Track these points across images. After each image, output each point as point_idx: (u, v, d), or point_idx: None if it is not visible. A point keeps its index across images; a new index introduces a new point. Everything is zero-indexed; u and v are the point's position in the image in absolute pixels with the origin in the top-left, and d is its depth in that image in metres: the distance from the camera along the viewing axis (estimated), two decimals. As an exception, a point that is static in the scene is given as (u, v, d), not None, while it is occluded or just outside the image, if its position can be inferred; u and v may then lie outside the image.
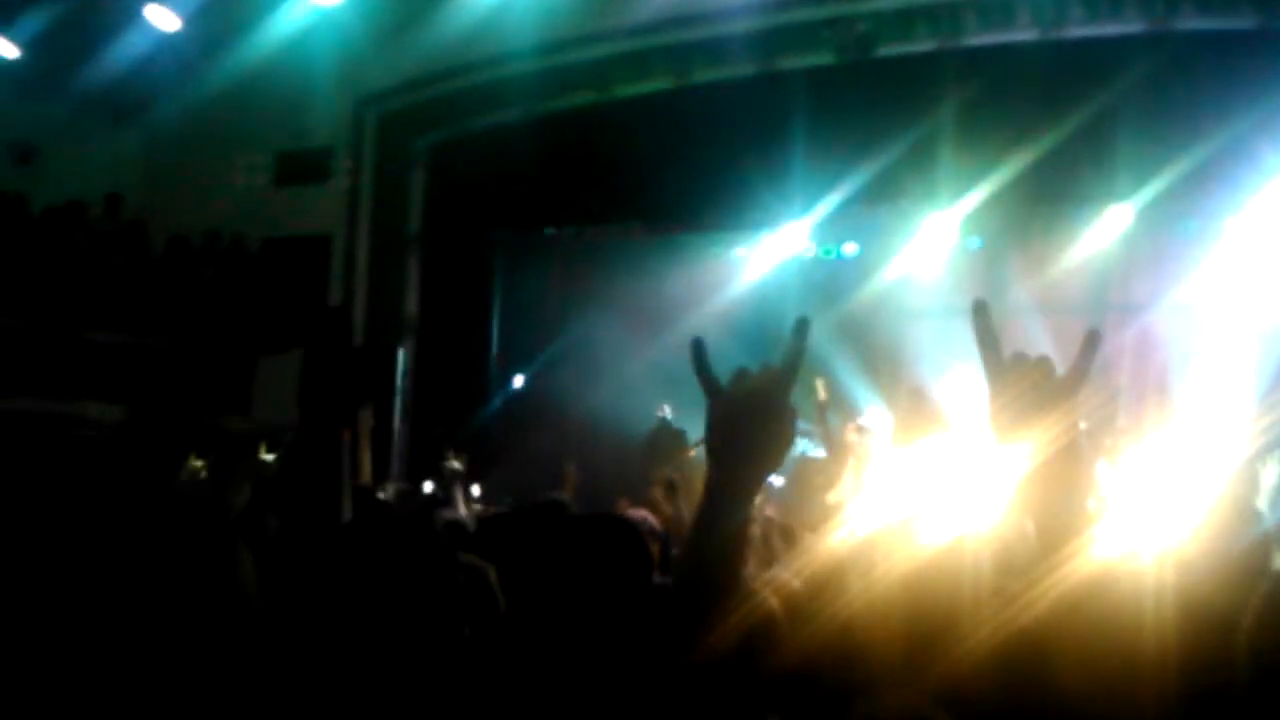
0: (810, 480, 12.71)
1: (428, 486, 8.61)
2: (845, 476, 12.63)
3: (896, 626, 2.40)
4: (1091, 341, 1.74)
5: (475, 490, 10.14)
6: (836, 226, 12.82)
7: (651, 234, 13.02)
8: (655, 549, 4.48)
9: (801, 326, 1.81)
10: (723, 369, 1.83)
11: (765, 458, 1.81)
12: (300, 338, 11.50)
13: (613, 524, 2.62)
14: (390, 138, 12.20)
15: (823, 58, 10.41)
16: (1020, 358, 1.75)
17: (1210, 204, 10.68)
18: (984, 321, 1.73)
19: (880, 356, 13.94)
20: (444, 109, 11.97)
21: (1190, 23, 9.13)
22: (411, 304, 12.32)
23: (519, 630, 2.48)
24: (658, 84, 11.05)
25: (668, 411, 12.61)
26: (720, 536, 1.79)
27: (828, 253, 13.95)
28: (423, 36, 10.97)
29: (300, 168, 12.24)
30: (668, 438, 12.77)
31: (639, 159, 11.27)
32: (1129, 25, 9.33)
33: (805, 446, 13.21)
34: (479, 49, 11.04)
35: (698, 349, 1.80)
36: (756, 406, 1.80)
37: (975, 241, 13.04)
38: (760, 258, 13.95)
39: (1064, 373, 1.73)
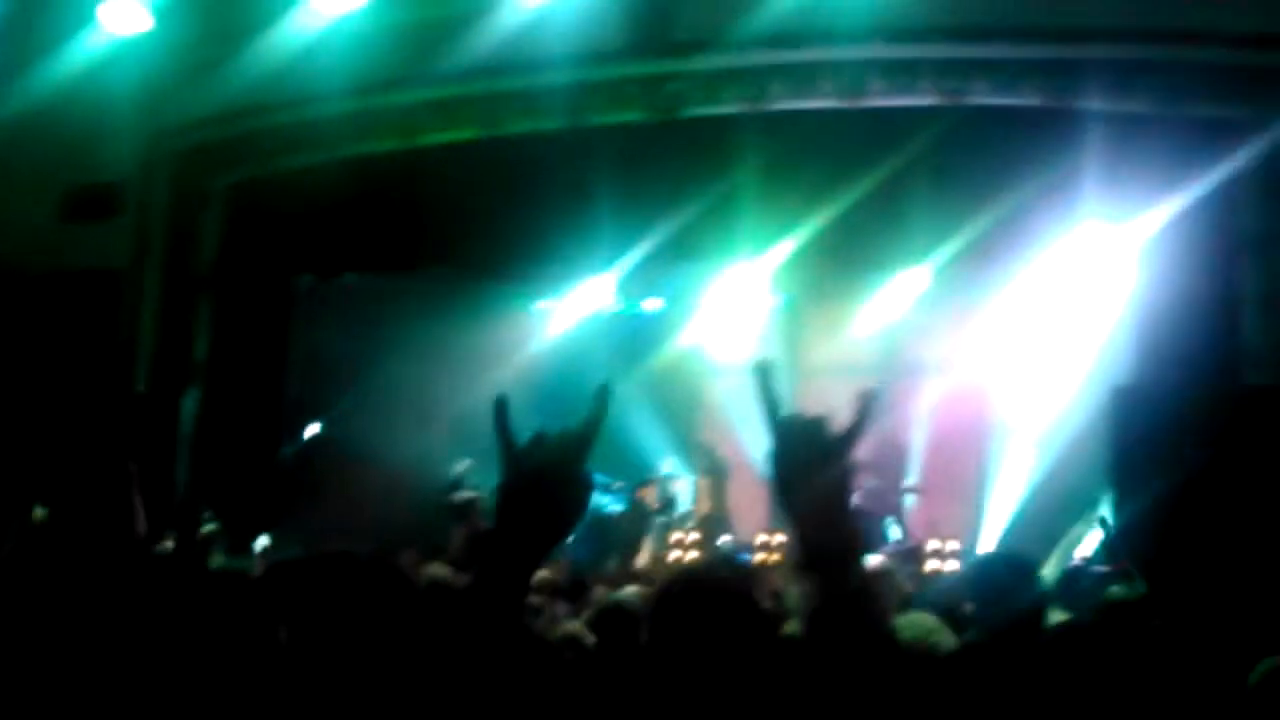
0: (606, 537, 12.74)
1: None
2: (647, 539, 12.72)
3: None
4: (865, 400, 1.78)
5: (264, 540, 9.84)
6: (640, 282, 12.94)
7: (455, 284, 12.91)
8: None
9: (603, 393, 1.80)
10: (522, 421, 1.79)
11: (554, 526, 1.79)
12: (84, 379, 11.03)
13: (386, 572, 2.61)
14: (186, 175, 11.80)
15: (632, 115, 10.51)
16: (797, 416, 1.78)
17: (998, 269, 11.11)
18: (764, 381, 1.76)
19: (682, 412, 14.10)
20: (245, 148, 11.64)
21: (982, 98, 9.52)
22: (202, 347, 11.90)
23: (295, 677, 2.45)
24: (466, 133, 10.97)
25: (465, 467, 12.47)
26: (498, 600, 1.75)
27: (631, 308, 14.08)
28: (226, 73, 10.67)
29: (89, 203, 11.72)
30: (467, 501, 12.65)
31: (445, 207, 11.17)
32: (924, 97, 9.67)
33: (605, 502, 13.26)
34: (284, 88, 10.78)
35: (499, 407, 1.76)
36: (550, 474, 1.78)
37: (777, 300, 13.31)
38: (565, 311, 13.99)
39: (838, 431, 1.77)
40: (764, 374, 1.75)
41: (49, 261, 11.45)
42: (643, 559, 12.40)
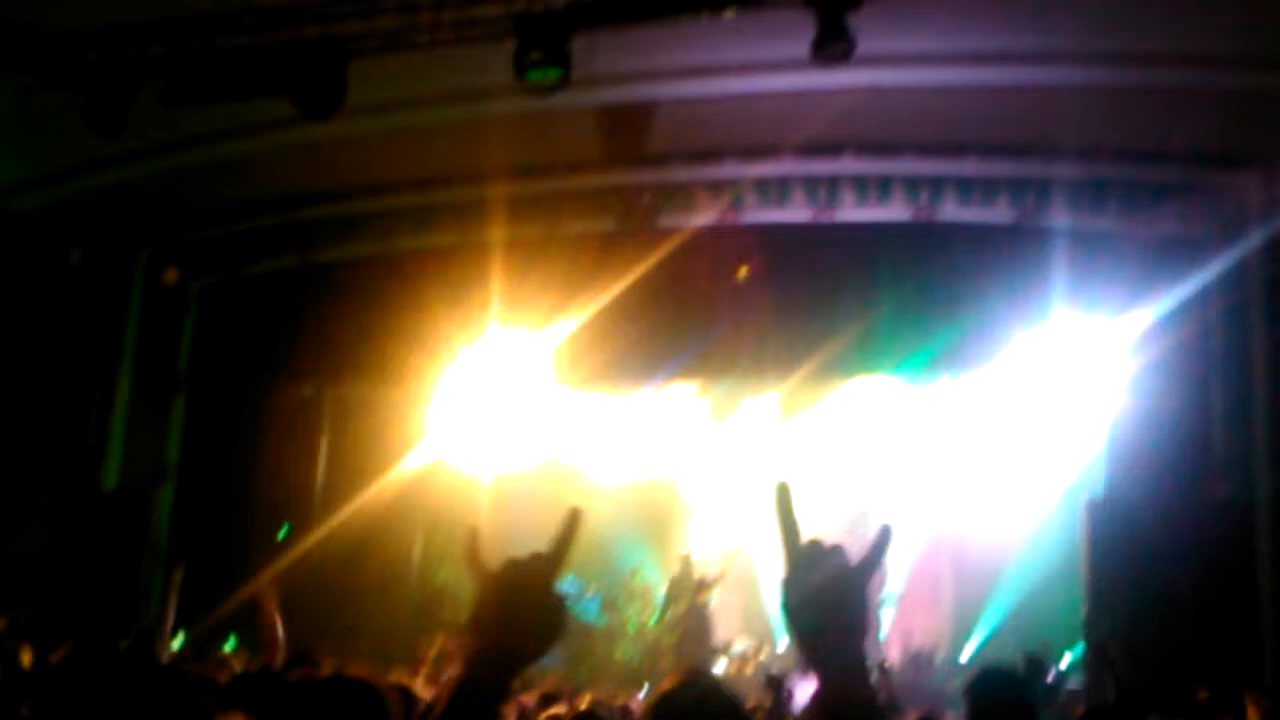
0: (578, 643, 12.66)
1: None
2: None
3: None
4: (884, 535, 1.77)
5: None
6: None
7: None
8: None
9: (573, 516, 1.82)
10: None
11: (529, 643, 1.80)
12: (50, 479, 10.89)
13: (356, 688, 2.62)
14: (160, 277, 11.80)
15: (606, 223, 10.61)
16: (814, 544, 1.77)
17: (971, 380, 11.21)
18: (785, 503, 1.74)
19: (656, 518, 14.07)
20: (215, 251, 11.69)
21: (952, 213, 9.69)
22: (174, 448, 11.82)
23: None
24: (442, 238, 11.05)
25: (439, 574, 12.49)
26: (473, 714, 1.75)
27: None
28: (203, 173, 10.72)
29: (64, 301, 11.66)
30: (437, 605, 12.61)
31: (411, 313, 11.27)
32: (895, 211, 9.83)
33: (586, 610, 13.21)
34: (259, 192, 10.84)
35: (783, 494, 1.75)
36: (524, 593, 1.79)
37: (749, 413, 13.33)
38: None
39: (857, 561, 1.76)
40: (784, 497, 1.74)
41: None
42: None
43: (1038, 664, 7.18)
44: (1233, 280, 8.66)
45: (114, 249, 11.48)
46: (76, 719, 2.15)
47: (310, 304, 11.60)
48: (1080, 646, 9.80)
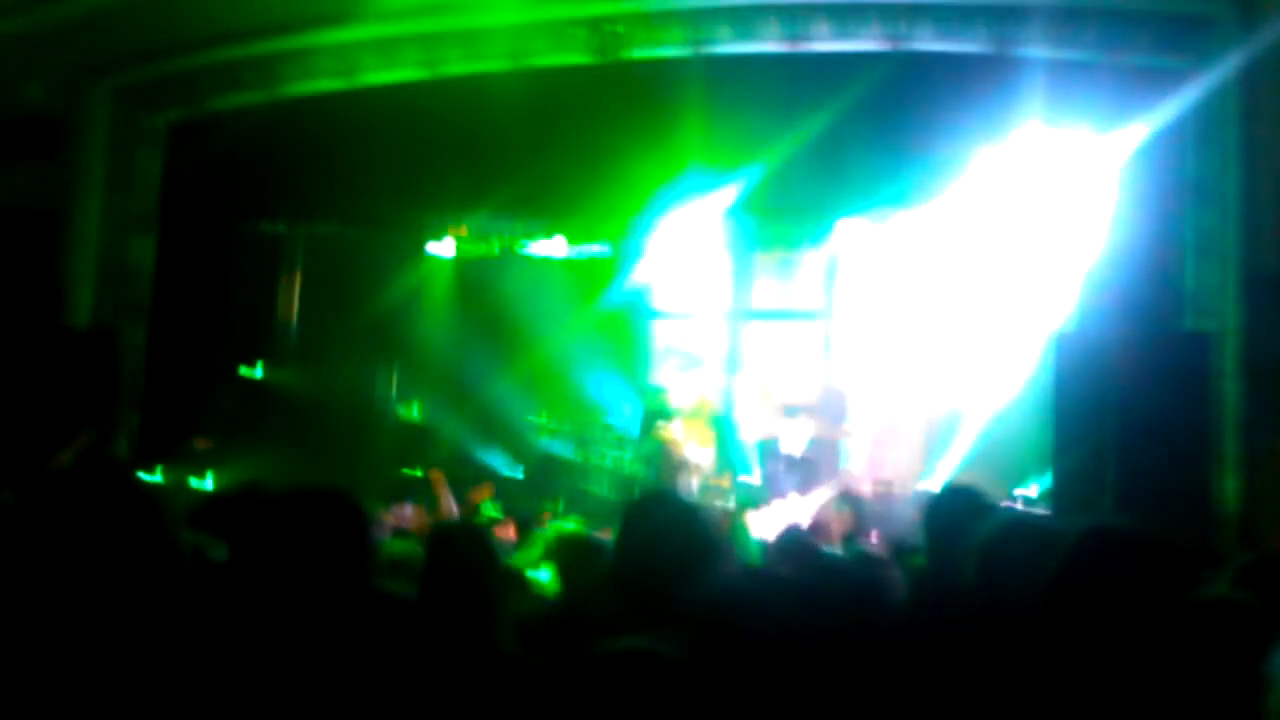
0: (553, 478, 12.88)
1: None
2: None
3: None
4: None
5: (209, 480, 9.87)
6: (583, 227, 12.97)
7: (393, 229, 13.00)
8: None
9: None
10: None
11: None
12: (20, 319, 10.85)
13: (329, 499, 2.62)
14: (123, 111, 11.59)
15: (575, 58, 10.43)
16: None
17: (941, 213, 11.18)
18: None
19: (627, 354, 14.14)
20: (182, 86, 11.47)
21: (926, 43, 9.53)
22: (144, 287, 11.75)
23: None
24: (407, 74, 10.86)
25: (414, 410, 12.60)
26: None
27: (578, 252, 14.05)
28: (162, 6, 10.48)
29: (24, 140, 11.48)
30: (416, 435, 12.75)
31: (381, 151, 11.14)
32: (868, 42, 9.66)
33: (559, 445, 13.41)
34: (221, 23, 10.61)
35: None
36: None
37: (723, 245, 13.30)
38: (512, 256, 13.97)
39: None
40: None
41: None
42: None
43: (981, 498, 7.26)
44: (1207, 111, 8.57)
45: (74, 83, 11.26)
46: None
47: (278, 141, 11.46)
48: (1047, 478, 9.93)
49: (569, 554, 5.32)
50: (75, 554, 2.31)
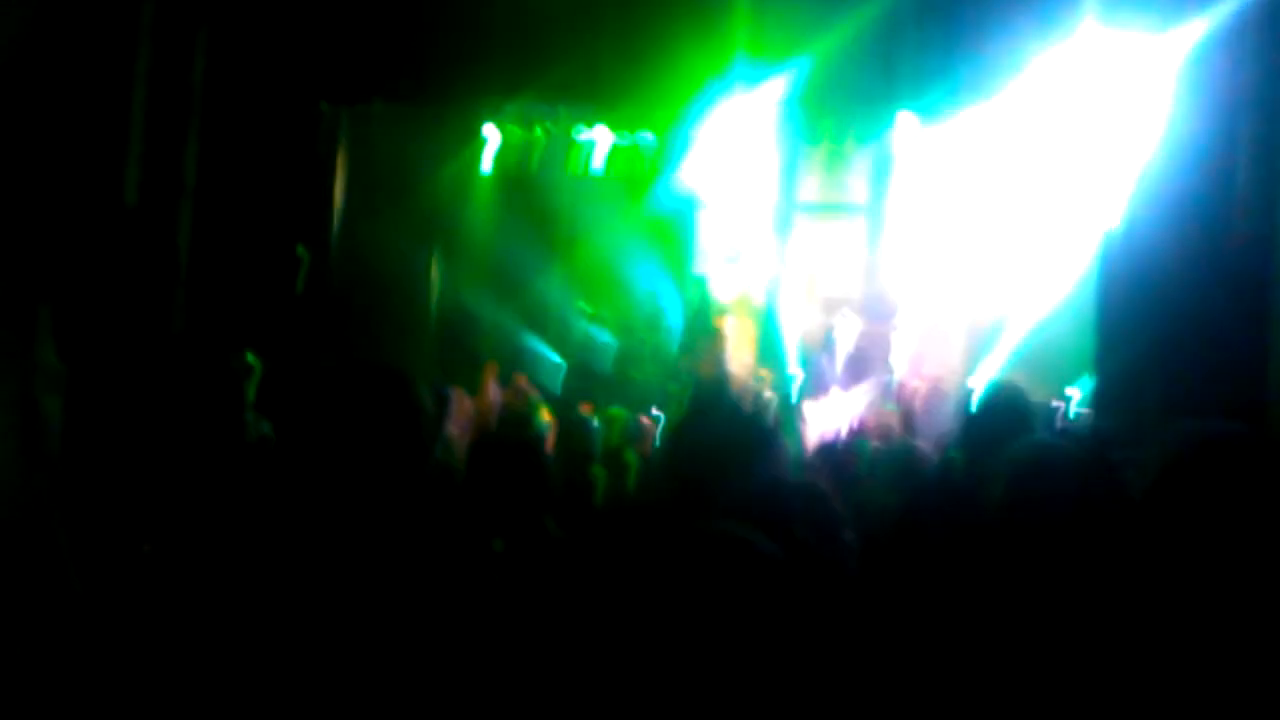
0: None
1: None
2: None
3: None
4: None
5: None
6: (632, 115, 12.87)
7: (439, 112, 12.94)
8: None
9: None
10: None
11: None
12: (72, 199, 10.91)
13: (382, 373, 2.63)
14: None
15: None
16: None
17: (995, 110, 11.01)
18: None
19: (673, 246, 14.14)
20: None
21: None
22: (190, 169, 11.77)
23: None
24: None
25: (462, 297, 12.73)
26: None
27: (624, 139, 13.95)
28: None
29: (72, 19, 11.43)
30: (463, 322, 12.85)
31: (431, 31, 11.06)
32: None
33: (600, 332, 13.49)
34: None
35: None
36: None
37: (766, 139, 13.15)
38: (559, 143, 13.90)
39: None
40: None
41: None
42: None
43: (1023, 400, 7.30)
44: (1266, 13, 8.35)
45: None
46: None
47: (326, 20, 11.39)
48: (1090, 381, 9.90)
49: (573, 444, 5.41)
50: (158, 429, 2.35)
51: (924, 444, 8.10)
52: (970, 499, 3.58)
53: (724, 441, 2.86)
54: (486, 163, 14.03)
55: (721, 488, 2.76)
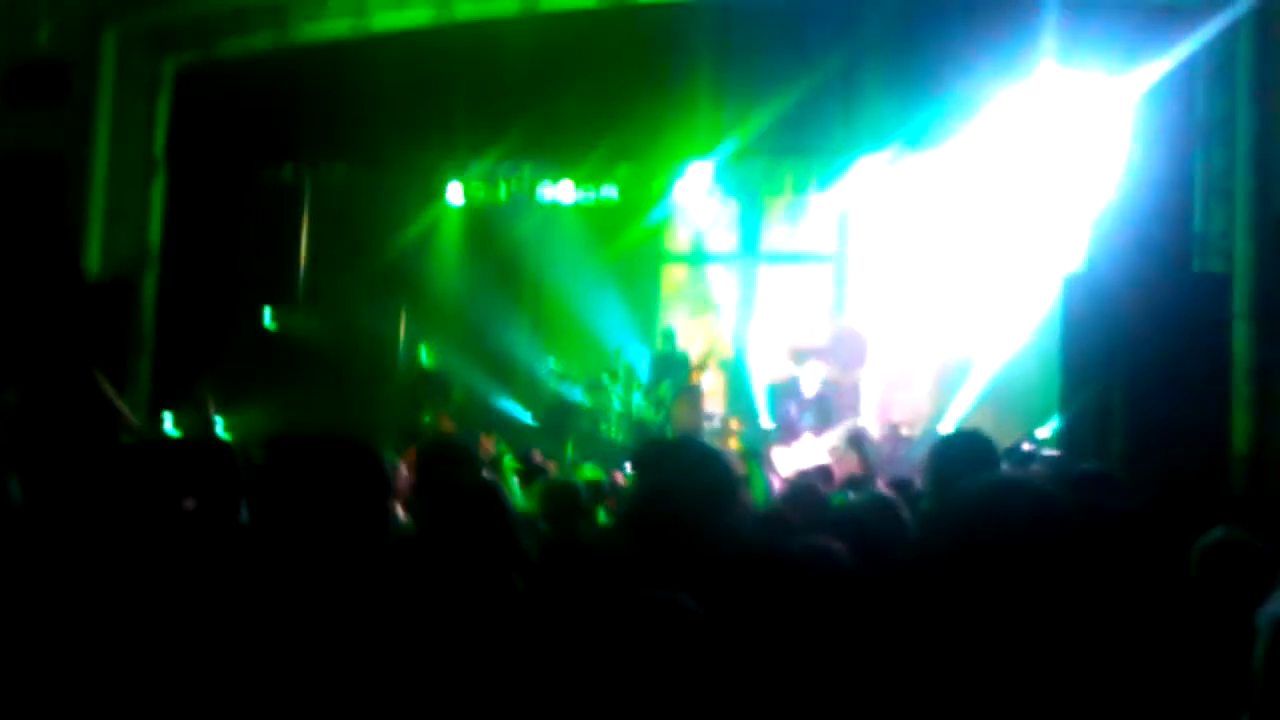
0: (566, 423, 12.88)
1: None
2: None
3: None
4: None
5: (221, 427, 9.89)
6: (598, 172, 12.92)
7: (402, 173, 12.98)
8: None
9: None
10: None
11: None
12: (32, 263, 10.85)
13: (350, 447, 2.63)
14: (132, 56, 11.54)
15: (584, 2, 10.37)
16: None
17: (953, 155, 11.10)
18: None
19: (641, 298, 14.16)
20: (192, 29, 11.41)
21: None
22: (155, 233, 11.75)
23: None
24: (419, 15, 10.80)
25: (427, 356, 12.66)
26: None
27: (589, 196, 13.98)
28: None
29: (35, 84, 11.42)
30: (429, 381, 12.79)
31: (392, 95, 11.10)
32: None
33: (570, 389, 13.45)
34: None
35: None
36: None
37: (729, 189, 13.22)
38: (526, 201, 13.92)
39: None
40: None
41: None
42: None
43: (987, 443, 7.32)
44: (1220, 51, 8.49)
45: (84, 27, 11.20)
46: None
47: (288, 86, 11.43)
48: (1057, 420, 9.94)
49: (560, 503, 5.38)
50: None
51: (887, 488, 8.13)
52: (928, 540, 3.57)
53: (690, 496, 2.86)
54: (450, 219, 14.08)
55: (689, 539, 2.76)
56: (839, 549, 2.89)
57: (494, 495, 3.38)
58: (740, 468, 8.22)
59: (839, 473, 8.61)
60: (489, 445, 9.76)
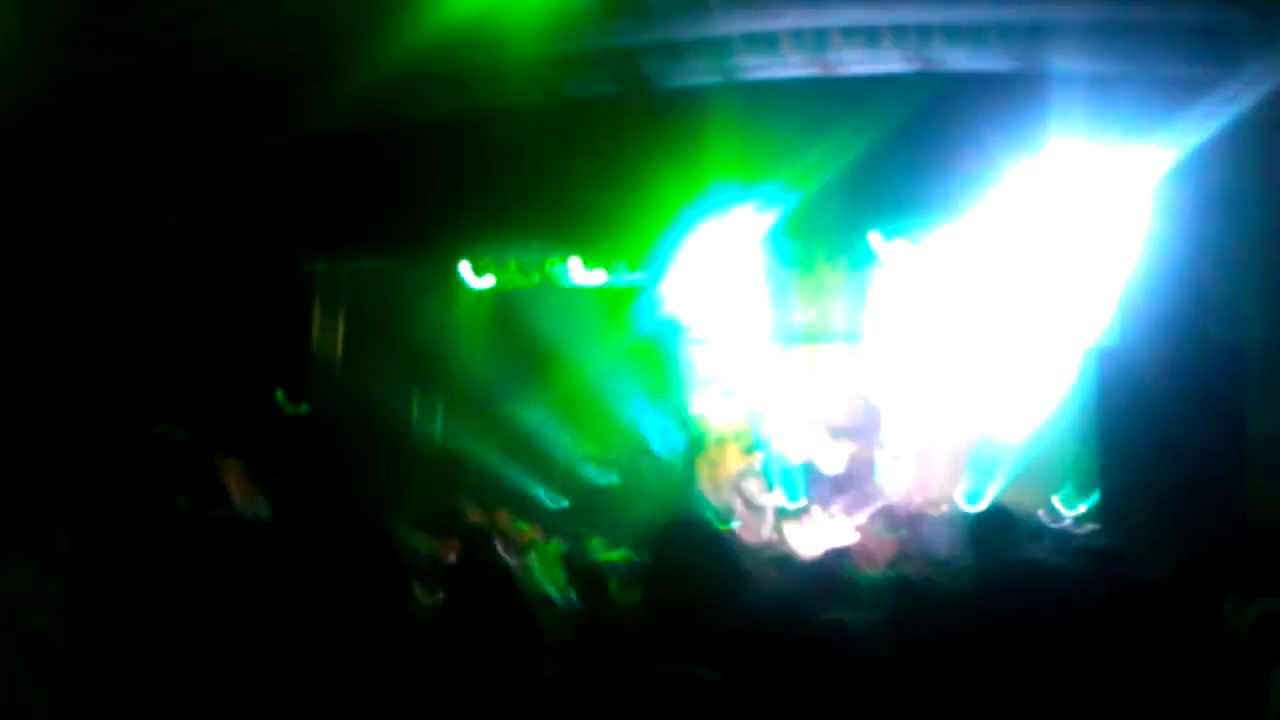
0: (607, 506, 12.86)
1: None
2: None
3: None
4: None
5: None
6: (618, 254, 13.00)
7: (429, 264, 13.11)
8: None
9: None
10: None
11: None
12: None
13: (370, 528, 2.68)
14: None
15: (606, 88, 10.51)
16: None
17: (975, 232, 11.16)
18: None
19: (665, 381, 14.16)
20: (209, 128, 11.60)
21: (952, 64, 9.55)
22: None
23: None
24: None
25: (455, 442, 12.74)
26: None
27: (612, 279, 14.04)
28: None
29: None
30: (453, 466, 12.81)
31: (414, 187, 11.24)
32: (893, 64, 9.69)
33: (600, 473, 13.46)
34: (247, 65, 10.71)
35: None
36: None
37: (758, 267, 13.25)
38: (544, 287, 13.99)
39: None
40: None
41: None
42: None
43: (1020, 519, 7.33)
44: (1233, 122, 8.53)
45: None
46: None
47: (312, 180, 11.59)
48: (1095, 496, 9.88)
49: (590, 585, 5.41)
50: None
51: (923, 568, 8.08)
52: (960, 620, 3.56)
53: (699, 578, 2.90)
54: (466, 302, 14.12)
55: (700, 621, 2.80)
56: (855, 626, 2.90)
57: (512, 581, 3.41)
58: (772, 541, 8.22)
59: (876, 551, 8.58)
60: (510, 527, 9.77)
